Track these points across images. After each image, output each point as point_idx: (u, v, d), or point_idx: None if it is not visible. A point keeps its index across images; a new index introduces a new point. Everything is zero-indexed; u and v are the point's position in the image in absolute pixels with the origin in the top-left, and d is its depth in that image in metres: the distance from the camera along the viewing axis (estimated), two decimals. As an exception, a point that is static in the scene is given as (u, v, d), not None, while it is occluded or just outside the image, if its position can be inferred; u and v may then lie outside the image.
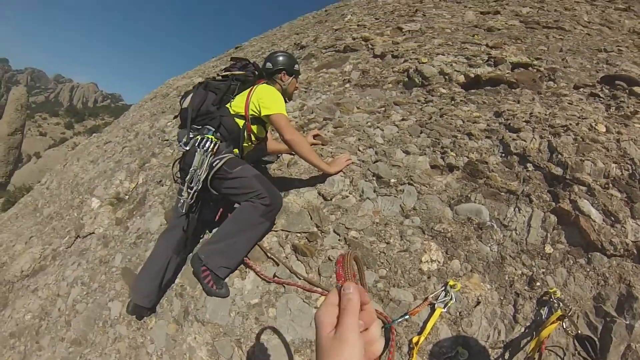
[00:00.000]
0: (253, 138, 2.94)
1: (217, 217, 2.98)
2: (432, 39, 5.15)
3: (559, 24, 5.03)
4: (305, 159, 2.87)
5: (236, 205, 2.78)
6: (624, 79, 3.22)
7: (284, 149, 3.47)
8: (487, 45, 4.55)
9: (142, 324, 2.79)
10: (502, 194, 2.45)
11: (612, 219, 2.05)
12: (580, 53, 4.13)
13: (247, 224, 2.57)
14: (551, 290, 1.88)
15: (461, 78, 3.92)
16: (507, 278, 2.06)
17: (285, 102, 2.99)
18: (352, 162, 3.08)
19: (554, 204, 2.25)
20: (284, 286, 2.40)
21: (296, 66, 3.17)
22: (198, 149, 2.62)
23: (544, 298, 1.90)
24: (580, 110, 2.97)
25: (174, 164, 2.91)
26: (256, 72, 3.14)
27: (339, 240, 2.54)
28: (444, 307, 2.01)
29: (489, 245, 2.23)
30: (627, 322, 1.68)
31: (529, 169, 2.53)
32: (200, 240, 3.06)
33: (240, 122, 2.83)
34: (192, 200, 2.65)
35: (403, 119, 3.48)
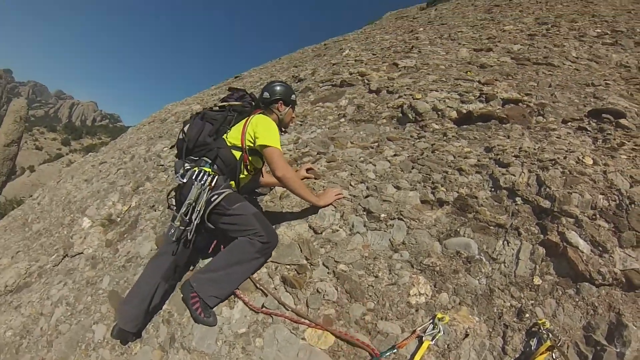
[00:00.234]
0: (250, 168, 2.96)
1: (210, 249, 2.99)
2: (427, 75, 5.28)
3: (549, 60, 5.16)
4: (296, 195, 2.89)
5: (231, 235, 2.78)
6: (611, 112, 3.27)
7: (276, 182, 3.50)
8: (479, 81, 4.66)
9: (126, 349, 2.73)
10: (491, 227, 2.46)
11: (600, 249, 2.05)
12: (568, 88, 4.21)
13: (242, 258, 2.58)
14: (540, 322, 1.87)
15: (454, 114, 3.99)
16: (495, 310, 2.04)
17: (281, 132, 3.02)
18: (343, 197, 3.11)
19: (542, 236, 2.25)
20: (272, 317, 2.38)
21: (293, 96, 3.20)
22: (195, 183, 2.63)
23: (533, 329, 1.88)
24: (568, 143, 3.01)
25: (169, 193, 2.93)
26: (253, 103, 3.15)
27: (327, 273, 2.53)
28: (431, 340, 1.98)
29: (478, 278, 2.22)
30: (618, 350, 1.67)
31: (518, 202, 2.54)
32: (191, 269, 3.04)
33: (237, 154, 2.84)
34: (192, 235, 2.64)
35: (395, 155, 3.53)
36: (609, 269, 1.95)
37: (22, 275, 4.57)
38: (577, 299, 1.92)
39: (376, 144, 3.89)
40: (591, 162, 2.66)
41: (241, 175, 2.92)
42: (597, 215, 2.23)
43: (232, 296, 2.62)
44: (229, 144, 2.85)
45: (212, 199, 2.62)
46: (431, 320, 2.07)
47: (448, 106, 4.10)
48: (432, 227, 2.63)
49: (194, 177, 2.66)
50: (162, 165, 5.79)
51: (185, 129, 2.91)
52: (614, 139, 2.94)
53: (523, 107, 3.80)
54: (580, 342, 1.79)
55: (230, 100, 3.14)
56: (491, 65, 5.29)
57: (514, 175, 2.73)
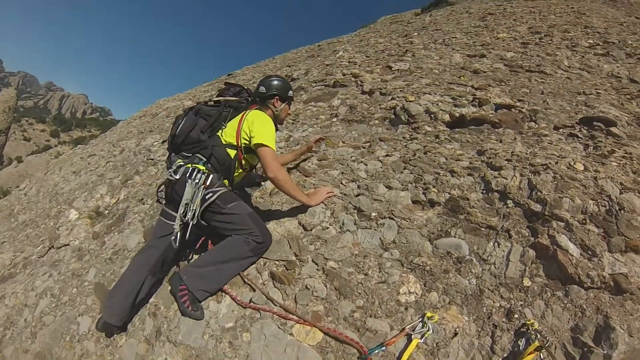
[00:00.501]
0: (245, 166, 2.93)
1: (198, 245, 2.94)
2: (420, 78, 5.28)
3: (541, 68, 5.20)
4: (288, 195, 2.87)
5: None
6: (602, 120, 3.30)
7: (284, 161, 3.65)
8: (472, 86, 4.68)
9: (111, 341, 2.68)
10: (482, 229, 2.46)
11: (590, 252, 2.07)
12: (560, 95, 4.25)
13: (235, 255, 2.54)
14: (529, 322, 1.88)
15: (446, 117, 4.00)
16: (485, 310, 2.05)
17: (276, 128, 2.99)
18: (334, 195, 3.09)
19: (532, 239, 2.27)
20: (260, 312, 2.36)
21: (290, 92, 3.15)
22: (189, 180, 2.58)
23: (521, 330, 1.89)
24: (560, 149, 3.03)
25: (159, 187, 2.87)
26: (249, 99, 3.11)
27: (317, 269, 2.51)
28: (420, 338, 1.97)
29: (468, 278, 2.22)
30: (605, 352, 1.69)
31: (509, 205, 2.55)
32: (180, 264, 2.99)
33: (232, 153, 2.81)
34: (188, 237, 2.62)
35: (387, 155, 3.52)
36: (597, 273, 1.96)
37: (7, 266, 4.48)
38: (565, 301, 1.94)
39: (368, 144, 3.88)
40: (582, 168, 2.68)
41: (235, 173, 2.89)
42: (587, 220, 2.25)
43: (220, 292, 2.59)
44: (224, 142, 2.81)
45: (206, 197, 2.58)
46: (420, 319, 2.07)
47: (441, 109, 4.11)
48: (423, 227, 2.63)
49: (187, 175, 2.62)
50: (152, 159, 5.73)
51: (178, 124, 2.86)
52: (605, 147, 2.97)
53: (515, 112, 3.82)
54: (568, 344, 1.80)
55: (226, 95, 3.09)
56: (484, 71, 5.32)
57: (505, 178, 2.74)
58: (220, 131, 2.85)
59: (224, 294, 2.56)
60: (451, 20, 9.79)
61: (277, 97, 3.07)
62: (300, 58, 10.52)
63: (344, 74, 6.19)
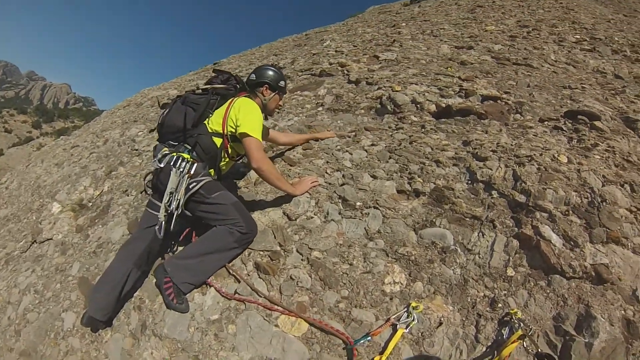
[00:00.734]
0: (232, 154, 2.87)
1: (182, 236, 2.90)
2: (407, 68, 5.27)
3: (528, 61, 5.22)
4: (272, 185, 2.84)
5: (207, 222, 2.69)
6: (586, 114, 3.33)
7: (292, 141, 3.74)
8: (459, 77, 4.68)
9: (96, 337, 2.63)
10: (467, 219, 2.47)
11: (572, 243, 2.10)
12: (546, 89, 4.27)
13: (219, 246, 2.50)
14: (512, 311, 1.89)
15: (432, 107, 3.99)
16: (469, 300, 2.06)
17: (265, 118, 2.95)
18: (319, 184, 3.06)
19: (516, 229, 2.28)
20: (245, 303, 2.33)
21: (281, 82, 3.09)
22: (173, 169, 2.53)
23: (505, 319, 1.91)
24: (544, 141, 3.05)
25: (145, 177, 2.82)
26: (238, 86, 3.03)
27: (301, 260, 2.49)
28: (405, 328, 1.97)
29: (452, 268, 2.23)
30: (586, 341, 1.71)
31: (494, 196, 2.57)
32: (165, 255, 2.94)
33: (218, 141, 2.75)
34: (173, 227, 2.56)
35: (373, 144, 3.50)
36: (579, 263, 1.99)
37: (-11, 263, 4.37)
38: (548, 291, 1.96)
39: (353, 133, 3.86)
40: (566, 160, 2.70)
41: (222, 163, 2.83)
42: (570, 211, 2.28)
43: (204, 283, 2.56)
44: (210, 130, 2.75)
45: (190, 187, 2.53)
46: (405, 309, 2.07)
47: (427, 99, 4.10)
48: (408, 217, 2.62)
49: (172, 163, 2.57)
50: (137, 150, 5.62)
51: (165, 112, 2.80)
52: (589, 140, 2.99)
53: (502, 104, 3.82)
54: (550, 332, 1.82)
55: (214, 83, 3.01)
56: (472, 62, 5.32)
57: (490, 169, 2.75)
58: (207, 119, 2.80)
59: (208, 286, 2.53)
60: (440, 12, 9.77)
61: (266, 85, 3.02)
62: (287, 47, 10.43)
63: (330, 63, 6.14)
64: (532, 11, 8.42)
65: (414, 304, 2.06)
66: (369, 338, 1.97)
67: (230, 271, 2.54)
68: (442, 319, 2.02)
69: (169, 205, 2.52)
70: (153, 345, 2.35)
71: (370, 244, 2.50)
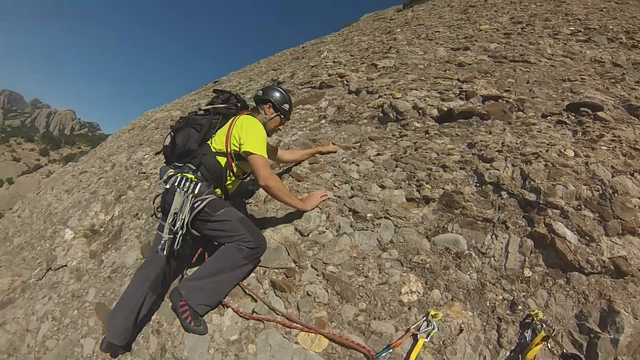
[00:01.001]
0: (237, 173, 2.89)
1: (195, 258, 2.92)
2: (406, 74, 5.29)
3: (525, 57, 5.23)
4: (282, 202, 2.87)
5: (217, 243, 2.71)
6: (588, 106, 3.32)
7: (297, 158, 3.72)
8: (458, 79, 4.69)
9: None
10: (479, 222, 2.46)
11: (587, 238, 2.08)
12: (545, 83, 4.27)
13: (230, 264, 2.51)
14: (533, 313, 1.88)
15: (434, 112, 4.01)
16: (488, 304, 2.04)
17: (268, 135, 2.97)
18: (328, 198, 3.08)
19: (529, 228, 2.27)
20: (263, 322, 2.33)
21: (285, 105, 3.12)
22: (177, 189, 2.56)
23: (526, 321, 1.89)
24: (549, 137, 3.04)
25: (154, 199, 2.85)
26: (239, 105, 3.07)
27: (317, 275, 2.50)
28: (426, 337, 1.97)
29: (469, 273, 2.22)
30: (612, 337, 1.69)
31: (504, 196, 2.56)
32: (179, 277, 2.96)
33: (222, 161, 2.78)
34: (178, 246, 2.58)
35: (378, 154, 3.52)
36: (597, 258, 1.97)
37: (6, 291, 4.41)
38: (567, 289, 1.94)
39: (358, 144, 3.88)
40: (572, 154, 2.69)
41: (228, 182, 2.86)
42: (582, 206, 2.26)
43: (221, 305, 2.56)
44: (213, 150, 2.79)
45: (195, 206, 2.55)
46: (425, 318, 2.06)
47: (429, 104, 4.12)
48: (420, 225, 2.63)
49: (176, 184, 2.59)
50: (144, 173, 5.68)
51: (169, 135, 2.85)
52: (593, 131, 2.99)
53: (503, 103, 3.83)
54: (574, 331, 1.80)
55: (215, 103, 3.06)
56: (469, 63, 5.34)
57: (498, 169, 2.75)
58: (210, 139, 2.84)
59: (225, 306, 2.54)
60: (433, 15, 9.82)
61: (270, 103, 3.07)
62: (285, 61, 10.52)
63: (329, 75, 6.19)
64: (524, 7, 8.44)
65: (432, 312, 2.05)
66: (391, 350, 1.96)
67: (247, 291, 2.55)
68: (462, 325, 2.01)
69: (174, 225, 2.54)
70: (174, 369, 2.35)
71: (384, 254, 2.50)
